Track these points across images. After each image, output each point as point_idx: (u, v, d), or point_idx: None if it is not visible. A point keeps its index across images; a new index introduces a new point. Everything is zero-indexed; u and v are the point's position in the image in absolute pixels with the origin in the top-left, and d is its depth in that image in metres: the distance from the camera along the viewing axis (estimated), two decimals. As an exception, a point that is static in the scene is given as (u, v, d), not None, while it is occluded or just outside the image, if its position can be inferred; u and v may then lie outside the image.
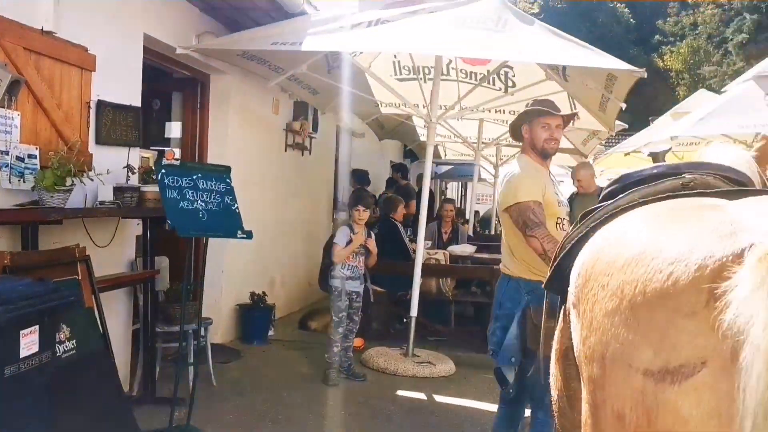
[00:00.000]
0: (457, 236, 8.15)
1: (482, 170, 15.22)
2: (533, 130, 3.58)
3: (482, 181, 16.84)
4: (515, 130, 3.74)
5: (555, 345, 1.81)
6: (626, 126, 8.68)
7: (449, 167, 18.24)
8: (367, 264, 5.75)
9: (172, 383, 4.17)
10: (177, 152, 6.07)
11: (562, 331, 1.74)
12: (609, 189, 2.00)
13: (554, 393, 1.82)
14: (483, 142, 9.79)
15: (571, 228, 1.96)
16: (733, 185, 1.76)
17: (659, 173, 1.88)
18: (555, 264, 1.88)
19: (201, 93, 6.45)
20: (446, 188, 22.03)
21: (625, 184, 1.93)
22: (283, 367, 5.95)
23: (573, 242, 1.76)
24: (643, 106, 20.15)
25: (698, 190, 1.65)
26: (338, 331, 5.57)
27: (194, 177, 4.09)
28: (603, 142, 11.14)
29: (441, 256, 6.75)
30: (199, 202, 4.04)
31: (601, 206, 1.85)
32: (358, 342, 6.62)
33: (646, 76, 4.84)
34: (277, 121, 7.85)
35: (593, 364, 1.33)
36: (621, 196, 1.82)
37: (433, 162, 15.63)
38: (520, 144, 3.76)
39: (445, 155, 13.81)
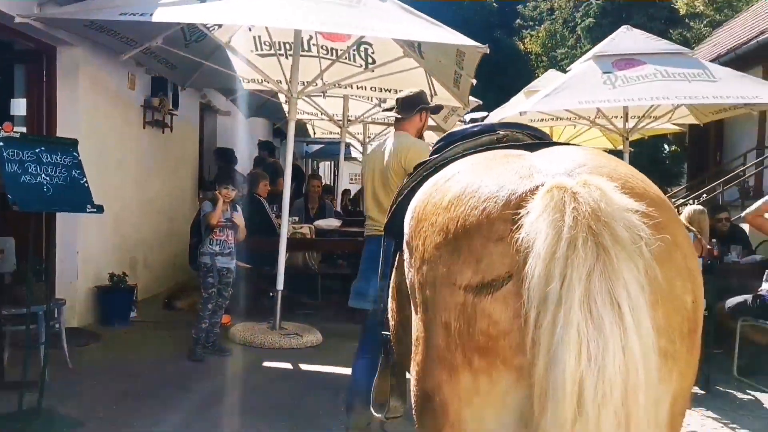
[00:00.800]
0: (324, 212, 8.27)
1: (352, 149, 15.53)
2: (427, 118, 4.01)
3: (352, 160, 17.13)
4: (409, 104, 3.96)
5: (392, 283, 2.02)
6: (480, 102, 9.12)
7: (320, 146, 18.31)
8: (236, 239, 5.73)
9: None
10: (20, 128, 5.74)
11: (397, 268, 1.96)
12: (437, 145, 2.28)
13: (392, 324, 2.03)
14: (348, 120, 9.94)
15: (405, 179, 2.25)
16: (534, 140, 2.08)
17: (478, 131, 2.17)
18: (392, 210, 2.11)
19: (47, 66, 6.12)
20: (318, 167, 22.10)
21: (450, 140, 2.20)
22: (146, 347, 5.84)
23: (407, 191, 1.99)
24: (507, 86, 21.13)
25: (509, 144, 1.97)
26: (207, 307, 5.53)
27: (37, 150, 3.92)
28: (462, 118, 11.64)
29: (306, 230, 6.85)
30: (42, 176, 3.88)
31: (430, 159, 2.11)
32: (225, 319, 6.61)
33: (488, 52, 5.14)
34: (134, 96, 7.60)
35: (426, 288, 1.56)
36: (446, 150, 2.09)
37: (302, 141, 15.66)
38: (397, 115, 4.02)
39: (314, 134, 13.82)
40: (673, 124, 10.57)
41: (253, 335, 5.98)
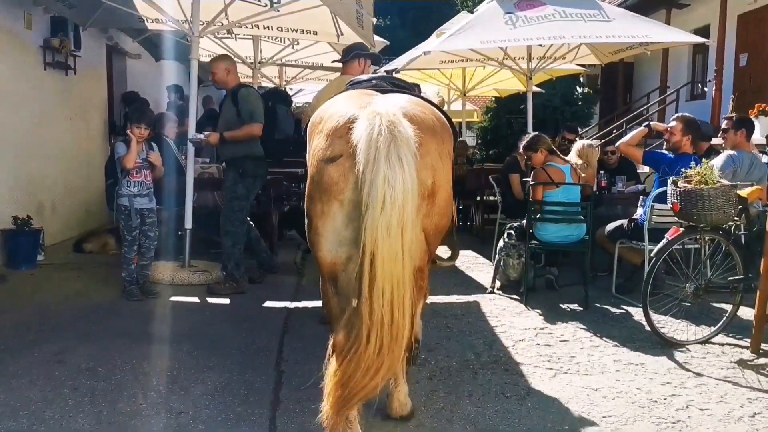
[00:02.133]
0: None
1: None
2: (367, 64, 4.97)
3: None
4: (347, 51, 5.03)
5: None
6: (387, 43, 9.26)
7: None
8: (154, 178, 5.73)
9: None
10: None
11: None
12: (348, 85, 3.62)
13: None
14: (260, 62, 9.92)
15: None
16: (391, 88, 3.39)
17: (365, 80, 3.61)
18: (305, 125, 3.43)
19: (-68, 4, 5.91)
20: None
21: (351, 83, 3.62)
22: (53, 288, 5.90)
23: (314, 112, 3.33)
24: (433, 29, 21.21)
25: (378, 88, 3.33)
26: (132, 249, 5.57)
27: None
28: (379, 69, 11.82)
29: (214, 170, 6.92)
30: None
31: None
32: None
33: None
34: (32, 37, 7.39)
35: (313, 164, 2.92)
36: (344, 89, 3.47)
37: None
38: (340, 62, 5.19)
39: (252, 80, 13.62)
40: (577, 64, 10.99)
41: (163, 273, 6.12)
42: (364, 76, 3.83)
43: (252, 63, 9.79)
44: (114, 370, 3.92)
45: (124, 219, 5.57)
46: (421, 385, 3.84)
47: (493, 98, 18.82)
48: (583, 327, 5.07)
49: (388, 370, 2.64)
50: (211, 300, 5.70)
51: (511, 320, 5.25)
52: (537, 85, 13.42)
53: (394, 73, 10.89)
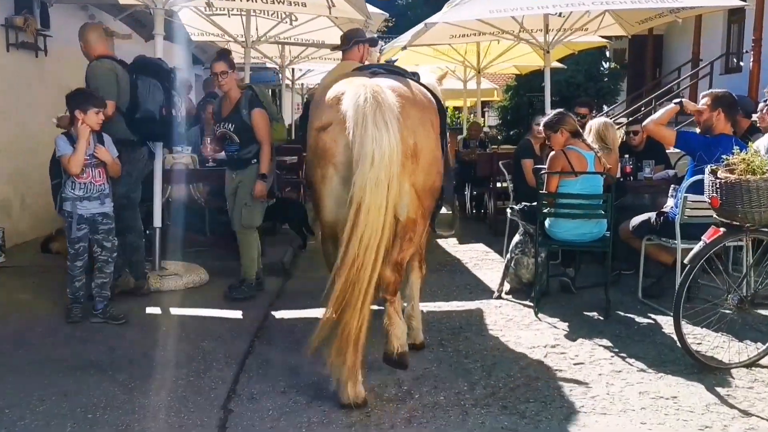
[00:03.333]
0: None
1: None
2: (366, 49, 4.92)
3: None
4: (346, 39, 4.80)
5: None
6: (386, 14, 8.45)
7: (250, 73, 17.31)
8: (108, 177, 4.76)
9: None
10: None
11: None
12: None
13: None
14: (253, 40, 9.17)
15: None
16: (385, 74, 3.60)
17: (366, 67, 3.92)
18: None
19: None
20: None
21: (353, 71, 3.85)
22: (6, 295, 5.25)
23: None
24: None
25: (374, 74, 3.54)
26: (76, 264, 4.60)
27: None
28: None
29: (188, 159, 6.20)
30: None
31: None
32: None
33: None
34: (-8, 16, 6.72)
35: (311, 135, 3.36)
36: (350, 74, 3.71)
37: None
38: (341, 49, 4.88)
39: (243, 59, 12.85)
40: (601, 36, 10.02)
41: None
42: (367, 65, 4.10)
43: (243, 41, 9.03)
44: (24, 414, 3.23)
45: (67, 227, 4.64)
46: (397, 430, 3.10)
47: (514, 75, 17.88)
48: (603, 344, 4.28)
49: (359, 309, 3.03)
50: (175, 311, 5.01)
51: (518, 335, 4.47)
52: (558, 60, 12.51)
53: (401, 49, 10.11)
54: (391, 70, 3.76)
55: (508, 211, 5.50)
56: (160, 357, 4.06)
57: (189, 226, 6.28)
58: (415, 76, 3.87)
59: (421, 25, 7.58)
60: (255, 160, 5.20)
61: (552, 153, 5.15)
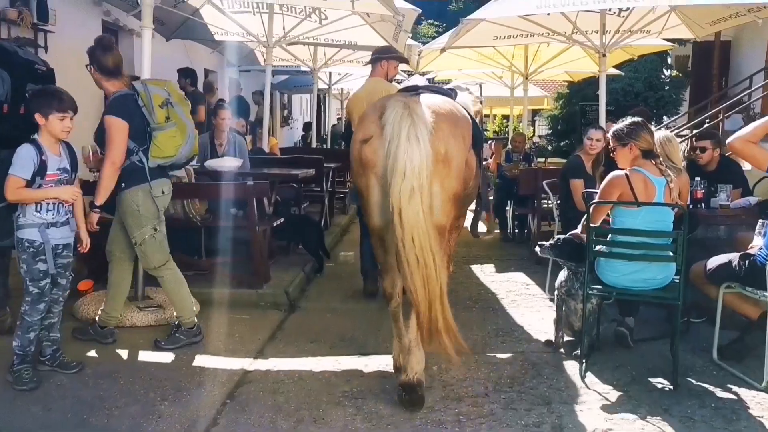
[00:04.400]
0: (234, 149, 6.84)
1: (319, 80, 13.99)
2: (391, 65, 5.55)
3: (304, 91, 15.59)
4: (372, 59, 5.57)
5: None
6: (419, 11, 7.59)
7: (285, 77, 16.58)
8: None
9: None
10: None
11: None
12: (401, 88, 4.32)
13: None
14: (279, 40, 8.41)
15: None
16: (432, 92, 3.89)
17: (411, 87, 4.07)
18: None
19: None
20: (288, 101, 20.44)
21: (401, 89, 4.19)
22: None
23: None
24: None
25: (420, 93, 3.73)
26: (38, 308, 3.68)
27: None
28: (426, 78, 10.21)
29: (182, 172, 5.41)
30: None
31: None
32: (85, 285, 5.31)
33: None
34: (-18, 8, 6.09)
35: (354, 147, 3.61)
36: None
37: (252, 69, 13.72)
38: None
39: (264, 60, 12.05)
40: (664, 39, 8.92)
41: (98, 310, 4.63)
42: (412, 86, 4.14)
43: (265, 41, 8.26)
44: None
45: (26, 261, 3.66)
46: None
47: (565, 82, 16.74)
48: (669, 428, 3.28)
49: (440, 299, 3.23)
50: (141, 356, 4.20)
51: (559, 412, 3.49)
52: (615, 66, 11.41)
53: (440, 52, 9.19)
54: (432, 88, 4.05)
55: (537, 249, 4.52)
56: (102, 424, 3.25)
57: (183, 248, 5.48)
58: (453, 92, 4.13)
59: (459, 26, 6.65)
60: (123, 184, 4.15)
61: (612, 174, 4.15)
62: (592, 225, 3.94)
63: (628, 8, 7.51)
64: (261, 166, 6.81)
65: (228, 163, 6.00)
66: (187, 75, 9.20)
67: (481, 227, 5.02)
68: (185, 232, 5.52)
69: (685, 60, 17.41)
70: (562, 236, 4.33)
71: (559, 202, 5.96)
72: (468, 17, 6.27)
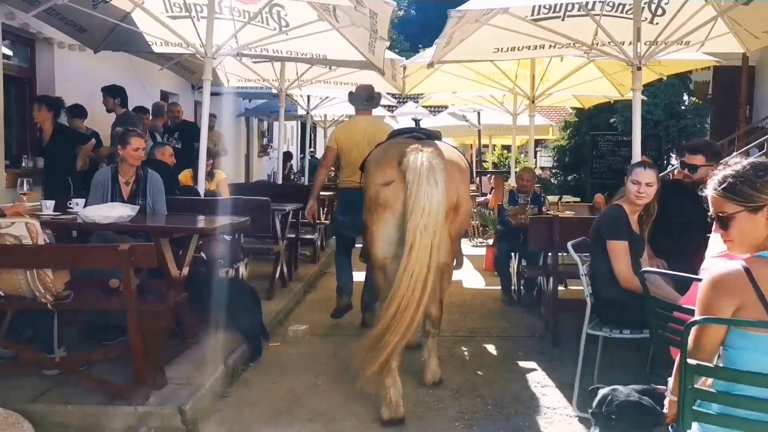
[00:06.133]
0: (143, 189, 5.03)
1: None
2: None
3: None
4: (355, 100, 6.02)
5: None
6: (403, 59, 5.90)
7: (260, 101, 14.73)
8: None
9: None
10: None
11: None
12: (391, 133, 4.89)
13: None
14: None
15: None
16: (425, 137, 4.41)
17: (405, 130, 4.73)
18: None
19: None
20: (268, 129, 18.59)
21: (396, 132, 4.80)
22: None
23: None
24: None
25: (413, 136, 4.37)
26: None
27: None
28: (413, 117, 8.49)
29: (21, 229, 3.54)
30: None
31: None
32: None
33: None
34: None
35: (372, 188, 4.10)
36: (392, 136, 4.74)
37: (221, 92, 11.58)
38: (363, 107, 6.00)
39: (228, 82, 10.17)
40: (706, 53, 7.14)
41: None
42: (406, 127, 5.13)
43: (203, 51, 6.49)
44: None
45: None
46: None
47: (573, 109, 15.00)
48: None
49: (402, 333, 3.59)
50: None
51: None
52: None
53: (427, 67, 7.42)
54: (426, 134, 4.51)
55: (589, 414, 2.65)
56: None
57: (27, 338, 3.63)
58: (438, 135, 4.72)
59: (447, 26, 4.78)
60: None
61: (717, 269, 2.19)
62: (690, 362, 2.07)
63: (661, 9, 5.90)
64: (171, 212, 4.99)
65: (115, 212, 4.15)
66: (114, 93, 7.44)
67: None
68: (31, 317, 3.66)
69: (705, 86, 15.68)
70: (620, 394, 2.45)
71: (589, 271, 4.09)
72: (456, 9, 4.44)
